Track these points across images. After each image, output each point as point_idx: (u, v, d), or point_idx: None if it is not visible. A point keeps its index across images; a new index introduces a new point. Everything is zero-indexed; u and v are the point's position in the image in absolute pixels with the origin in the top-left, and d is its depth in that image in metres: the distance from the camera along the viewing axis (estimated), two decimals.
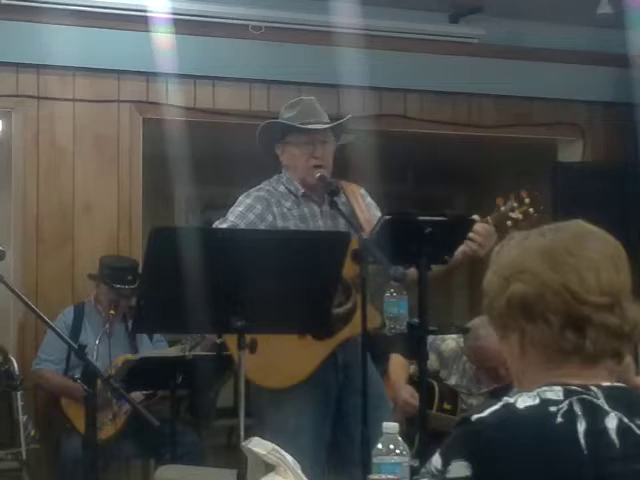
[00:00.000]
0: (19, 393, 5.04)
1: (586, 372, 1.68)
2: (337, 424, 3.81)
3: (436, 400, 4.68)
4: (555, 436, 1.60)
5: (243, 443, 2.26)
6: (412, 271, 3.48)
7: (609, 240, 1.74)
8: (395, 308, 3.55)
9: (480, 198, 7.61)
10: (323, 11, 5.52)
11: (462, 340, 4.67)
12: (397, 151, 6.62)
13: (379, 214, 3.88)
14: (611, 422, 1.62)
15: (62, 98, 5.65)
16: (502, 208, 3.76)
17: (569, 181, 6.51)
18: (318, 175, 3.80)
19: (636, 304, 1.70)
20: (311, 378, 3.71)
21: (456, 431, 1.65)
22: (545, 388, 1.65)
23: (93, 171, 5.70)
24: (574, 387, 1.65)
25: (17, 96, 5.59)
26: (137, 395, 4.88)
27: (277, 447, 2.16)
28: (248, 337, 3.08)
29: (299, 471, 2.14)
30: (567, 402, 1.63)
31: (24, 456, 4.94)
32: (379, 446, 2.37)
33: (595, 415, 1.62)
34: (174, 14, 5.51)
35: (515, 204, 3.76)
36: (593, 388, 1.65)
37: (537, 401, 1.63)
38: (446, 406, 4.70)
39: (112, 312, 5.21)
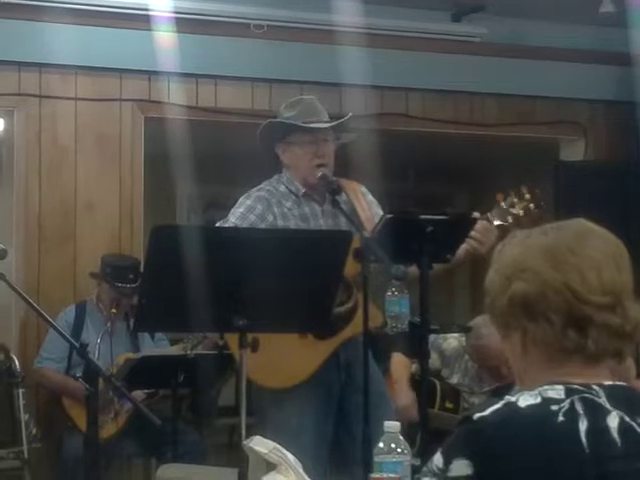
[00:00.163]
0: (21, 392, 5.03)
1: (588, 371, 1.68)
2: (339, 423, 3.80)
3: (438, 399, 4.68)
4: (557, 435, 1.60)
5: (244, 442, 2.25)
6: (414, 270, 3.47)
7: (611, 239, 1.73)
8: (397, 307, 3.55)
9: (482, 197, 7.55)
10: (325, 10, 5.51)
11: (464, 339, 4.67)
12: (399, 150, 6.61)
13: (380, 212, 3.88)
14: (613, 421, 1.62)
15: (64, 97, 5.64)
16: (502, 204, 3.75)
17: (571, 180, 6.50)
18: (320, 174, 3.79)
19: (638, 303, 1.70)
20: (313, 377, 3.70)
21: (458, 430, 1.65)
22: (547, 387, 1.65)
23: (95, 170, 5.70)
24: (576, 386, 1.65)
25: (19, 95, 5.59)
26: (138, 394, 4.87)
27: (279, 446, 2.15)
28: (250, 336, 3.08)
29: (301, 470, 2.14)
30: (569, 401, 1.63)
31: (26, 455, 4.92)
32: (381, 445, 2.38)
33: (597, 414, 1.62)
34: (176, 13, 5.51)
35: (515, 200, 3.74)
36: (595, 387, 1.65)
37: (539, 400, 1.63)
38: (448, 405, 4.70)
39: (114, 311, 5.21)
